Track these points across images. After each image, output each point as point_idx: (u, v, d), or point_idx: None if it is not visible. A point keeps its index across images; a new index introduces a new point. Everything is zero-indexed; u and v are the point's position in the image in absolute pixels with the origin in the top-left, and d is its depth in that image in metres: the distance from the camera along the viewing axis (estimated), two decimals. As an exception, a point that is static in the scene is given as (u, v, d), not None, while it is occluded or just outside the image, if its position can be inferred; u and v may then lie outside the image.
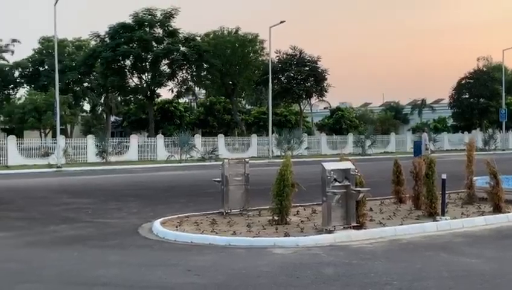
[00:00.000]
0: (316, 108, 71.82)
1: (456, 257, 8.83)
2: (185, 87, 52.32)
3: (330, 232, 9.99)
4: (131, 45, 46.05)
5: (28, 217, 13.22)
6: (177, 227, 10.95)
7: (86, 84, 55.87)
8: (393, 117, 68.82)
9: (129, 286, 7.08)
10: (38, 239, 10.50)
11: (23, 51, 70.21)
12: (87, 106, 61.34)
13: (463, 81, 59.59)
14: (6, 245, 9.95)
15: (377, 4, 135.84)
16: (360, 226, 10.38)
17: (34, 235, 10.89)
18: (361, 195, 10.31)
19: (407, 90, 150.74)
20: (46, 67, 53.47)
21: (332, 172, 10.03)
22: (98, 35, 48.12)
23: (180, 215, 12.35)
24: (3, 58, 55.10)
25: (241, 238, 9.74)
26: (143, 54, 46.62)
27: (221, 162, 13.30)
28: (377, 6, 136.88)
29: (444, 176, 11.63)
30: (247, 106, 69.81)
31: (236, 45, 50.95)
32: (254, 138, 45.95)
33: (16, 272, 7.88)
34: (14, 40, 54.52)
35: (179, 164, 35.70)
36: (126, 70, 48.66)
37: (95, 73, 51.77)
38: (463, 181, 13.86)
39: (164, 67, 49.01)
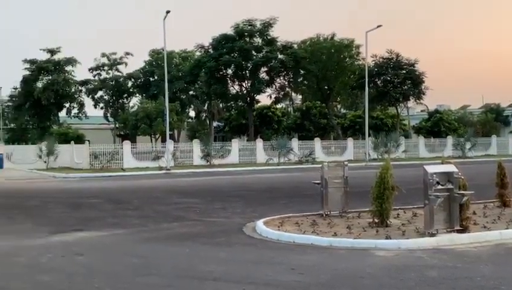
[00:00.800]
0: (413, 111, 69.52)
1: None
2: (282, 93, 52.84)
3: (433, 235, 9.64)
4: (232, 55, 47.26)
5: (143, 216, 13.91)
6: (279, 227, 11.05)
7: (191, 93, 57.95)
8: (493, 119, 64.99)
9: (237, 281, 7.24)
10: (154, 236, 11.02)
11: (136, 63, 74.10)
12: (192, 113, 63.63)
13: None
14: (126, 241, 10.56)
15: (474, 5, 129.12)
16: (463, 230, 9.93)
17: (150, 232, 11.44)
18: (465, 198, 9.87)
19: (507, 91, 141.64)
20: (156, 77, 56.10)
21: (434, 175, 9.68)
22: (203, 47, 49.90)
23: (281, 215, 12.44)
24: (118, 70, 58.44)
25: (343, 240, 9.65)
26: (243, 62, 47.68)
27: (317, 165, 13.29)
28: (473, 7, 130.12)
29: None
30: (342, 110, 69.07)
31: (332, 51, 50.67)
32: (350, 142, 45.36)
33: (136, 266, 8.34)
34: (127, 53, 57.67)
35: (277, 167, 36.00)
36: (228, 78, 50.01)
37: (199, 82, 53.56)
38: None
39: (263, 74, 49.80)
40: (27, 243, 10.25)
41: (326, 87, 53.54)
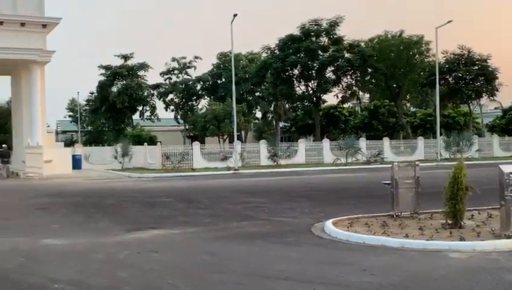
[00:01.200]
0: (486, 108, 66.67)
1: None
2: (349, 92, 52.24)
3: (509, 237, 9.21)
4: (298, 55, 47.24)
5: (214, 214, 14.15)
6: (348, 228, 10.92)
7: (257, 94, 58.41)
8: None
9: (308, 281, 7.22)
10: (224, 234, 11.18)
11: (204, 66, 75.49)
12: (258, 114, 64.09)
13: None
14: (197, 239, 10.78)
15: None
16: (543, 232, 9.41)
17: (220, 231, 11.62)
18: (544, 199, 9.35)
19: None
20: (224, 79, 56.99)
21: (511, 175, 9.24)
22: (269, 48, 50.21)
23: (350, 216, 12.29)
24: (188, 74, 59.84)
25: (415, 241, 9.39)
26: (309, 62, 47.55)
27: (386, 165, 13.04)
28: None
29: None
30: (412, 108, 67.32)
31: (401, 48, 49.57)
32: (420, 141, 44.12)
33: (207, 263, 8.50)
34: (196, 57, 59.01)
35: (345, 167, 35.57)
36: (294, 79, 50.02)
37: (265, 83, 53.88)
38: None
39: (329, 74, 49.47)
40: (105, 240, 10.69)
41: (395, 85, 52.40)
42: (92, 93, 59.60)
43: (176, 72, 59.12)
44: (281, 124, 64.24)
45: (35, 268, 8.36)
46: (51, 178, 28.48)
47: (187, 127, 58.75)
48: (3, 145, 32.81)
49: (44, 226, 12.56)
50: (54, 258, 9.03)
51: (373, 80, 53.05)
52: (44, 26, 32.07)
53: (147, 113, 57.91)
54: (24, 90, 32.61)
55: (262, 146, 39.50)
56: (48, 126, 38.78)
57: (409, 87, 53.38)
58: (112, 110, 54.59)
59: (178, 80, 59.25)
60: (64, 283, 7.39)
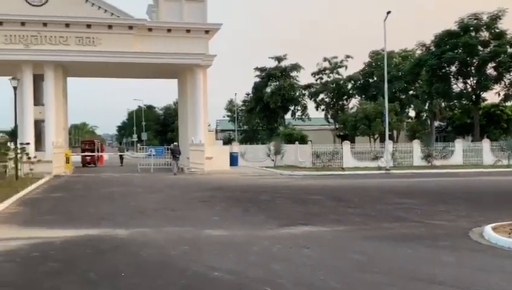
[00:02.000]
0: None
1: None
2: (512, 89, 47.93)
3: None
4: (456, 51, 44.60)
5: (363, 214, 13.97)
6: (510, 234, 10.10)
7: (411, 92, 56.27)
8: None
9: (464, 288, 6.83)
10: (374, 234, 11.00)
11: (356, 65, 74.76)
12: (412, 113, 61.70)
13: None
14: (347, 237, 10.75)
15: None
16: None
17: (370, 231, 11.46)
18: None
19: None
20: (375, 78, 55.86)
21: None
22: (424, 45, 48.15)
23: (512, 222, 11.35)
24: (339, 73, 59.67)
25: None
26: (468, 58, 44.62)
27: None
28: None
29: None
30: None
31: None
32: None
33: (358, 262, 8.44)
34: (347, 56, 58.62)
35: (507, 169, 32.79)
36: (451, 76, 47.29)
37: (419, 81, 51.70)
38: None
39: (490, 70, 45.88)
40: (260, 233, 11.14)
41: None
42: (248, 94, 62.39)
43: (327, 72, 59.33)
44: (436, 124, 61.10)
45: (198, 256, 9.00)
46: (211, 173, 30.32)
47: (337, 126, 58.61)
48: (174, 143, 35.46)
49: (206, 218, 13.43)
50: (214, 248, 9.64)
51: (541, 76, 48.04)
52: (207, 32, 34.25)
53: (298, 113, 58.97)
54: (189, 92, 35.10)
55: (416, 146, 37.95)
56: (209, 125, 41.28)
57: None
58: (266, 110, 56.52)
59: (329, 80, 59.38)
60: (224, 271, 7.85)
